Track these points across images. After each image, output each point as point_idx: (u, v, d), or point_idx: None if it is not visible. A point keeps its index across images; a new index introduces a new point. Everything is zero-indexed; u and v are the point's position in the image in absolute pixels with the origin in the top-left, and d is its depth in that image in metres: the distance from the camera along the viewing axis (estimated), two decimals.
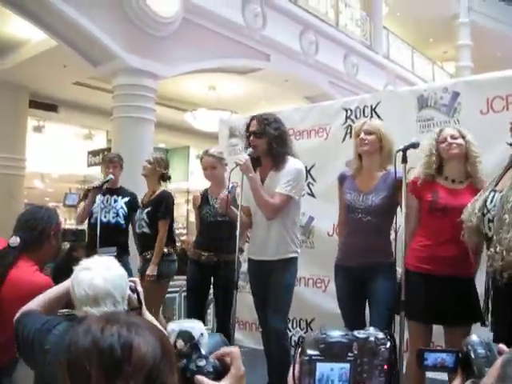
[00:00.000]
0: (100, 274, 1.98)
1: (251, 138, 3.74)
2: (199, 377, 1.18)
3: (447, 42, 17.91)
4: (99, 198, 5.12)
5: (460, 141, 3.25)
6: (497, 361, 0.94)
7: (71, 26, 7.80)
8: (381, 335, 0.97)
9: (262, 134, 3.70)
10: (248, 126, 3.83)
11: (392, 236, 3.47)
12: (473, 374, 1.18)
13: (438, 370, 1.31)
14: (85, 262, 2.07)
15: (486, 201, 2.86)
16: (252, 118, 3.83)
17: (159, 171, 4.99)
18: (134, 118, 8.56)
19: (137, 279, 2.33)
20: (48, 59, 9.21)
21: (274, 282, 3.71)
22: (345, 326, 3.56)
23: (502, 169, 2.98)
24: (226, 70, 10.65)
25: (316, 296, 4.89)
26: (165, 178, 5.06)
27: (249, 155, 3.68)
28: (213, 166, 4.43)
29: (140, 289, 2.26)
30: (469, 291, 3.15)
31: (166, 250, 4.84)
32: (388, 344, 0.96)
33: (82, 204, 5.36)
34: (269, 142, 3.70)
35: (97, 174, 12.38)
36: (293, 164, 3.73)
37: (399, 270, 3.26)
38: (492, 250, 2.75)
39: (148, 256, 4.85)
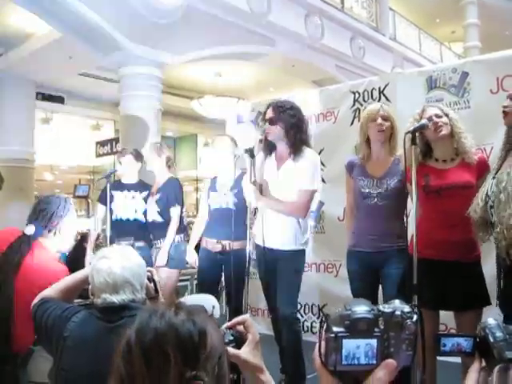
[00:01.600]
0: (119, 263, 2.01)
1: (266, 125, 3.71)
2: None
3: (454, 22, 17.70)
4: (117, 194, 5.12)
5: (445, 119, 3.19)
6: None
7: (75, 17, 7.78)
8: (407, 308, 0.95)
9: (277, 120, 3.66)
10: (264, 114, 3.81)
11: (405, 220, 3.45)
12: (492, 358, 1.16)
13: (455, 354, 1.29)
14: (104, 251, 2.11)
15: (487, 190, 2.85)
16: (268, 106, 3.80)
17: (160, 160, 4.98)
18: (141, 107, 8.55)
19: (153, 269, 2.37)
20: (53, 51, 9.19)
21: (282, 268, 3.71)
22: None
23: (500, 156, 2.96)
24: (231, 56, 10.58)
25: (327, 281, 4.89)
26: (170, 163, 5.04)
27: (260, 141, 3.71)
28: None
29: (157, 278, 2.33)
30: (475, 274, 3.11)
31: (177, 237, 4.85)
32: (414, 317, 0.95)
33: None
34: (285, 129, 3.66)
35: (106, 164, 12.43)
36: (311, 156, 3.71)
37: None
38: (495, 231, 2.76)
39: (159, 245, 4.86)
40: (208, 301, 1.52)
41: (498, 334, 1.17)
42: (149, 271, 2.25)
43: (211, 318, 1.16)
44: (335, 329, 0.90)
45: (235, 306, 4.15)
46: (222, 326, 1.30)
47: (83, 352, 1.91)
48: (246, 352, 1.28)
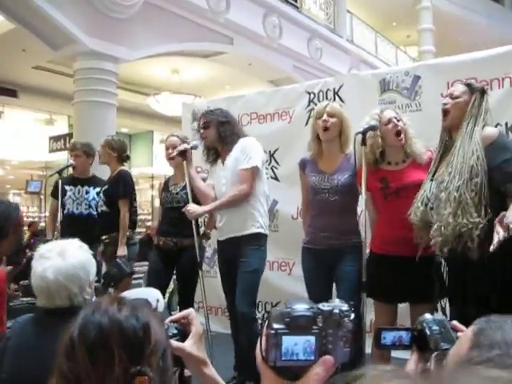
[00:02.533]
0: (53, 265, 1.84)
1: (201, 131, 3.91)
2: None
3: (410, 26, 18.05)
4: (70, 189, 5.05)
5: (401, 123, 3.30)
6: (465, 332, 0.99)
7: (30, 9, 7.62)
8: (345, 307, 0.98)
9: (209, 123, 3.86)
10: (198, 123, 4.01)
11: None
12: (429, 349, 1.23)
13: (397, 348, 1.35)
14: (43, 248, 1.93)
15: (425, 192, 2.97)
16: (200, 116, 4.03)
17: (113, 153, 4.92)
18: (95, 103, 8.43)
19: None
20: (6, 43, 8.98)
21: (242, 264, 3.73)
22: None
23: (435, 160, 3.07)
24: (189, 53, 10.54)
25: (281, 279, 4.92)
26: (123, 158, 4.98)
27: (191, 148, 3.88)
28: (174, 145, 4.35)
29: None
30: (430, 269, 3.20)
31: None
32: (352, 315, 0.98)
33: None
34: (217, 129, 3.84)
35: (59, 159, 12.20)
36: (241, 141, 3.84)
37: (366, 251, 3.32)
38: (433, 229, 2.87)
39: (107, 241, 4.78)
40: (152, 294, 1.51)
41: (434, 327, 1.27)
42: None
43: (154, 313, 1.16)
44: (275, 325, 0.93)
45: (186, 304, 4.15)
46: (167, 320, 1.31)
47: (24, 356, 1.82)
48: (189, 345, 1.30)
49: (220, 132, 3.84)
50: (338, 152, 3.61)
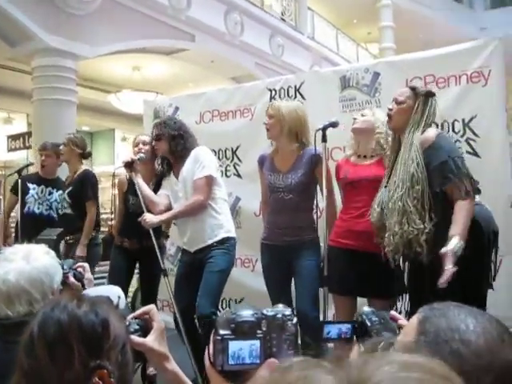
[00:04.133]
0: (16, 268, 1.75)
1: (153, 142, 3.98)
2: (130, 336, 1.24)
3: (371, 24, 18.24)
4: (33, 187, 4.97)
5: (367, 118, 3.40)
6: (411, 320, 1.01)
7: None
8: (288, 311, 1.03)
9: (160, 136, 3.90)
10: (152, 132, 4.04)
11: (315, 212, 3.56)
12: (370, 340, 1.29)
13: (342, 341, 1.40)
14: (6, 251, 1.84)
15: (381, 196, 3.05)
16: (153, 126, 4.07)
17: (76, 151, 4.85)
18: (54, 100, 8.29)
19: (86, 265, 2.20)
20: None
21: (208, 264, 3.72)
22: (272, 304, 3.62)
23: (388, 165, 3.15)
24: (150, 50, 10.47)
25: (244, 276, 4.93)
26: (85, 156, 4.93)
27: (138, 159, 3.93)
28: (144, 142, 4.30)
29: (89, 275, 2.15)
30: (386, 264, 3.26)
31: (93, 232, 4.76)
32: (294, 319, 1.02)
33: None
34: (168, 143, 3.88)
35: (18, 159, 11.97)
36: (193, 152, 3.86)
37: (322, 245, 3.37)
38: (385, 236, 2.95)
39: (71, 241, 4.73)
40: (113, 291, 1.53)
41: (374, 318, 1.34)
42: (80, 266, 2.12)
43: (114, 308, 1.17)
44: (222, 331, 0.98)
45: (150, 302, 4.11)
46: (128, 316, 1.34)
47: None
48: (151, 340, 1.33)
49: (171, 146, 3.88)
50: (292, 149, 3.65)
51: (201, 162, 3.77)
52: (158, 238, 4.07)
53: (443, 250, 2.65)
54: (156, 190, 4.08)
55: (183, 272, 3.94)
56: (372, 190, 3.19)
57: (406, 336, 0.99)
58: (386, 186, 3.05)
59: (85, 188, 4.75)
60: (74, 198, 4.77)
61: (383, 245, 3.02)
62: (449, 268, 2.60)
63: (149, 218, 3.76)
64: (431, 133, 2.95)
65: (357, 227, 3.27)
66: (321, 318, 3.28)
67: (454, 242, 2.65)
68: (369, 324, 1.35)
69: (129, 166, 3.87)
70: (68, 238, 4.77)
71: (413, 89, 3.06)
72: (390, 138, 3.30)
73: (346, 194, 3.44)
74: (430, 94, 3.04)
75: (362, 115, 3.45)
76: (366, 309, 1.41)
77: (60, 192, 5.02)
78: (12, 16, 7.63)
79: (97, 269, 5.04)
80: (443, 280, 2.59)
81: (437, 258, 2.68)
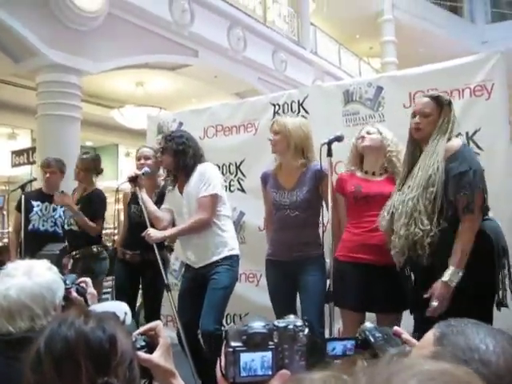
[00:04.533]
0: (17, 283, 1.74)
1: (158, 154, 3.98)
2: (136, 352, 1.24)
3: (373, 38, 18.33)
4: (37, 204, 4.97)
5: (374, 136, 3.38)
6: (427, 336, 1.00)
7: None
8: (299, 322, 1.03)
9: (165, 149, 3.87)
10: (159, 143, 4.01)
11: (321, 229, 3.55)
12: (373, 356, 1.28)
13: (347, 357, 1.38)
14: (9, 267, 1.84)
15: (393, 203, 3.03)
16: (161, 137, 4.05)
17: (91, 172, 4.95)
18: (58, 116, 8.31)
19: (88, 279, 2.19)
20: None
21: (212, 281, 3.72)
22: (276, 318, 3.60)
23: (403, 171, 3.14)
24: (153, 66, 10.51)
25: (249, 291, 4.91)
26: (98, 174, 5.00)
27: (143, 174, 3.93)
28: (146, 156, 4.33)
29: (91, 290, 2.15)
30: (397, 279, 3.24)
31: (95, 248, 4.79)
32: (306, 330, 1.02)
33: None
34: (173, 158, 3.85)
35: (23, 174, 11.98)
36: (199, 168, 3.85)
37: (328, 261, 3.35)
38: (391, 239, 2.96)
39: (77, 256, 4.75)
40: (120, 307, 1.52)
41: (377, 334, 1.32)
42: (83, 281, 2.11)
43: (121, 324, 1.17)
44: (233, 343, 0.97)
45: (154, 318, 4.10)
46: (135, 333, 1.32)
47: None
48: (157, 356, 1.32)
49: (175, 161, 3.87)
50: (296, 166, 3.64)
51: (207, 179, 3.77)
52: (161, 250, 4.09)
53: (436, 283, 2.73)
54: (158, 202, 4.09)
55: (186, 287, 3.93)
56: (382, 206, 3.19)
57: (421, 350, 0.98)
58: (399, 190, 3.03)
59: (93, 207, 4.80)
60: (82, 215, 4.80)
61: (390, 247, 3.02)
62: (433, 305, 2.71)
63: (153, 232, 3.76)
64: (456, 143, 2.95)
65: (371, 241, 3.24)
66: (327, 335, 3.26)
67: (449, 273, 2.71)
68: (372, 340, 1.34)
69: (133, 180, 3.88)
70: (75, 253, 4.79)
71: (435, 98, 3.05)
72: (400, 156, 3.30)
73: (358, 208, 3.38)
74: (450, 102, 3.05)
75: (368, 133, 3.43)
76: (369, 325, 1.40)
77: (64, 208, 5.02)
78: (16, 32, 7.67)
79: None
80: (429, 313, 2.70)
81: (436, 263, 2.72)
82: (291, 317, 1.05)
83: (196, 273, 3.85)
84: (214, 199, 3.77)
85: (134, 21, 9.20)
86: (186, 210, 3.87)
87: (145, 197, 3.91)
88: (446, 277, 2.70)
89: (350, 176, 3.51)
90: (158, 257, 3.73)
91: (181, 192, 3.92)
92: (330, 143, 3.28)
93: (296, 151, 3.60)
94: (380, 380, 0.55)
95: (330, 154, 3.27)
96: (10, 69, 9.05)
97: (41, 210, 4.99)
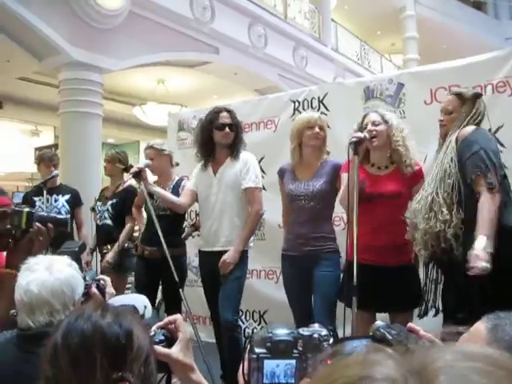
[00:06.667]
0: (38, 278, 1.75)
1: (226, 129, 3.85)
2: (154, 346, 1.23)
3: (394, 35, 18.19)
4: (38, 199, 5.09)
5: (381, 127, 3.30)
6: (475, 328, 1.01)
7: (14, 20, 7.56)
8: (324, 332, 1.04)
9: (232, 126, 3.89)
10: (215, 118, 3.92)
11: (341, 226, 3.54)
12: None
13: None
14: (30, 261, 1.83)
15: (421, 194, 3.01)
16: (220, 111, 3.96)
17: (119, 167, 5.06)
18: (81, 113, 8.38)
19: (107, 278, 2.18)
20: None
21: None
22: (293, 313, 3.63)
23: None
24: (174, 63, 10.55)
25: (268, 287, 4.92)
26: (127, 170, 5.06)
27: (145, 166, 3.94)
28: (150, 157, 4.41)
29: (110, 290, 2.12)
30: (404, 278, 3.22)
31: (126, 244, 4.94)
32: (331, 340, 1.03)
33: None
34: (236, 133, 3.90)
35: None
36: (244, 155, 3.91)
37: (343, 255, 3.34)
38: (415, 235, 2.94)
39: (105, 251, 4.90)
40: (139, 300, 1.52)
41: (393, 331, 1.31)
42: (102, 279, 2.10)
43: (138, 319, 1.16)
44: (257, 350, 0.97)
45: (174, 312, 4.13)
46: (154, 326, 1.31)
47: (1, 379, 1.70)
48: (176, 351, 1.30)
49: (236, 138, 3.92)
50: (316, 159, 3.69)
51: (252, 169, 3.86)
52: (180, 247, 4.12)
53: (472, 252, 2.61)
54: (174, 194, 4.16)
55: (207, 281, 3.98)
56: (388, 206, 3.17)
57: (470, 342, 0.97)
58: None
59: (127, 202, 4.90)
60: (115, 210, 5.00)
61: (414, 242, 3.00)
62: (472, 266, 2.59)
63: (229, 258, 3.74)
64: (468, 129, 2.93)
65: (373, 243, 3.21)
66: (340, 334, 3.24)
67: (481, 242, 2.62)
68: (389, 337, 1.33)
69: (137, 175, 3.87)
70: (104, 248, 4.94)
71: (458, 94, 3.03)
72: (408, 143, 3.27)
73: (360, 206, 3.24)
74: (477, 96, 3.01)
75: (374, 124, 3.33)
76: (381, 323, 1.39)
77: (67, 196, 5.18)
78: (39, 31, 7.75)
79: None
80: (471, 272, 2.57)
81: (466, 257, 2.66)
82: (316, 325, 1.05)
83: (209, 260, 3.89)
84: (260, 192, 3.89)
85: (155, 18, 9.23)
86: (215, 191, 3.89)
87: (152, 188, 3.93)
88: (479, 245, 2.61)
89: (360, 170, 3.42)
90: (168, 255, 3.74)
91: (214, 172, 3.94)
92: (357, 142, 3.22)
93: (324, 146, 3.71)
94: (418, 352, 0.55)
95: (356, 152, 3.21)
96: (33, 67, 9.18)
97: (43, 203, 5.09)
